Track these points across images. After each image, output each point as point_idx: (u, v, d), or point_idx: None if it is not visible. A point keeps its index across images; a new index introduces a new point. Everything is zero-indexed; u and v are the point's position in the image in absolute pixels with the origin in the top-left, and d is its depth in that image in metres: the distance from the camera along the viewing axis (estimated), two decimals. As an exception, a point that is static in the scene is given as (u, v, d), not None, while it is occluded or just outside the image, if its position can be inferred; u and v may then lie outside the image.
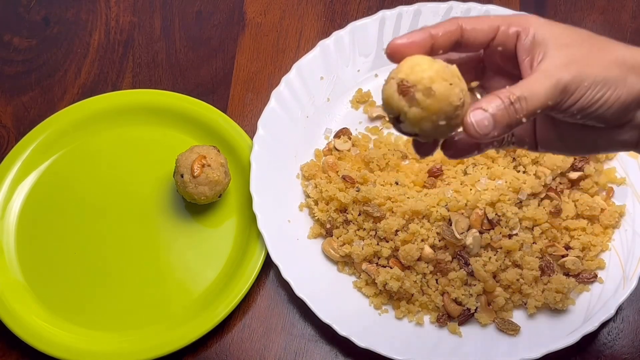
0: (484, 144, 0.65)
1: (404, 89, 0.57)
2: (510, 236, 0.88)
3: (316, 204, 0.93)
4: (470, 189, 0.90)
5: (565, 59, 0.60)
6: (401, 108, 0.58)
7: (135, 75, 1.04)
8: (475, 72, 0.67)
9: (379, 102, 0.99)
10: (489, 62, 0.66)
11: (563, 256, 0.88)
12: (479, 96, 0.66)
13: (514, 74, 0.64)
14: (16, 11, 1.09)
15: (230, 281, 0.90)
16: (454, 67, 0.59)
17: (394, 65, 1.06)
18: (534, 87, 0.59)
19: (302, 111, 0.97)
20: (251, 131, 0.96)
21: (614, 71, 0.60)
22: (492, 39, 0.63)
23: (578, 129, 0.64)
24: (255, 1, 1.08)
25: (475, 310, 0.87)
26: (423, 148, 0.64)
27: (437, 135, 0.60)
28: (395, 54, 0.60)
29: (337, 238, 0.91)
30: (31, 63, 1.06)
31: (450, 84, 0.57)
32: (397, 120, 0.59)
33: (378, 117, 0.98)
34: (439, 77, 0.57)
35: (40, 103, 1.03)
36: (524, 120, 0.59)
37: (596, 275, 0.88)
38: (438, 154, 0.94)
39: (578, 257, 0.88)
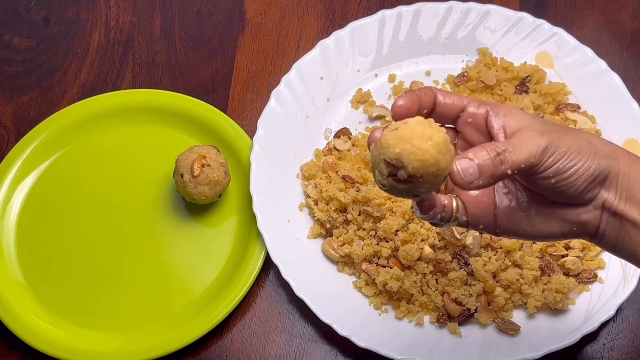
0: (432, 221, 0.67)
1: (398, 166, 0.59)
2: (510, 236, 0.88)
3: (316, 204, 0.93)
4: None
5: (541, 129, 0.64)
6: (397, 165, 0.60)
7: (135, 75, 1.04)
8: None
9: (379, 102, 0.99)
10: (461, 133, 0.69)
11: (563, 256, 0.88)
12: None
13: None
14: (16, 11, 1.09)
15: (230, 281, 0.90)
16: (444, 133, 0.60)
17: (393, 65, 1.05)
18: (518, 144, 0.63)
19: (302, 111, 0.97)
20: (251, 131, 0.96)
21: (585, 145, 0.64)
22: (462, 111, 0.67)
23: (544, 203, 0.66)
24: (255, 1, 1.08)
25: (475, 310, 0.87)
26: (425, 205, 0.65)
27: (425, 193, 0.62)
28: (398, 114, 0.65)
29: (337, 238, 0.91)
30: (31, 63, 1.06)
31: (444, 154, 0.59)
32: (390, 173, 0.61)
33: (378, 117, 0.98)
34: (435, 150, 0.59)
35: (40, 103, 1.03)
36: (508, 172, 0.62)
37: (596, 275, 0.88)
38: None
39: (578, 257, 0.88)
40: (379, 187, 0.62)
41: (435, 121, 0.61)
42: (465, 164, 0.61)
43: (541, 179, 0.63)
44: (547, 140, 0.63)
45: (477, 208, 0.66)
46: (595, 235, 0.66)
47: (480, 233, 0.87)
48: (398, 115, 0.65)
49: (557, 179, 0.63)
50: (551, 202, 0.65)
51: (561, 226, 0.66)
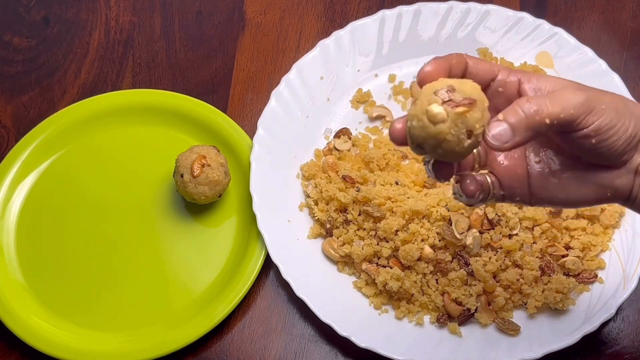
0: (473, 202, 0.66)
1: (450, 92, 0.59)
2: (510, 236, 0.88)
3: (316, 204, 0.93)
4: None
5: (579, 87, 0.63)
6: (439, 119, 0.59)
7: (135, 75, 1.04)
8: None
9: (379, 102, 0.99)
10: (491, 103, 0.65)
11: (563, 256, 0.88)
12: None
13: None
14: (16, 11, 1.09)
15: (230, 281, 0.90)
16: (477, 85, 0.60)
17: (393, 65, 1.05)
18: (554, 96, 0.61)
19: (302, 111, 0.97)
20: (251, 131, 0.96)
21: (621, 105, 0.63)
22: (492, 80, 0.65)
23: (577, 168, 0.65)
24: (255, 1, 1.08)
25: (475, 310, 0.87)
26: (444, 171, 0.64)
27: (461, 154, 0.61)
28: (425, 80, 0.62)
29: (337, 238, 0.91)
30: (31, 63, 1.06)
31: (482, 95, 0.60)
32: (419, 144, 0.61)
33: (378, 117, 0.98)
34: (475, 90, 0.60)
35: (40, 103, 1.03)
36: (547, 121, 0.60)
37: (596, 275, 0.88)
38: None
39: (578, 257, 0.88)
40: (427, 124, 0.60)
41: None
42: (496, 124, 0.60)
43: (581, 138, 0.62)
44: (586, 95, 0.61)
45: (511, 180, 0.66)
46: (628, 199, 0.66)
47: (518, 206, 0.87)
48: (424, 82, 0.61)
49: (598, 139, 0.62)
50: (585, 167, 0.65)
51: (595, 191, 0.66)
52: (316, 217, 0.92)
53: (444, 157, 0.61)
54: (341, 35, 1.00)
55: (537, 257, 0.88)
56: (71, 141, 0.99)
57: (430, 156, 0.62)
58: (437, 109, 0.59)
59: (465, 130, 0.59)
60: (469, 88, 0.60)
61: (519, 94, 0.65)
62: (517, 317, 0.87)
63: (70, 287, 0.92)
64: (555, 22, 1.00)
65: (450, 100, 0.59)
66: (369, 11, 1.05)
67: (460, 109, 0.59)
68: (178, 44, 1.06)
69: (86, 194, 0.97)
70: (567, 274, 0.88)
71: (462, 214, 0.88)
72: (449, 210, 0.88)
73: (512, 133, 0.60)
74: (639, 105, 0.65)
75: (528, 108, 0.60)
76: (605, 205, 0.90)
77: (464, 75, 0.64)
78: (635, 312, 0.89)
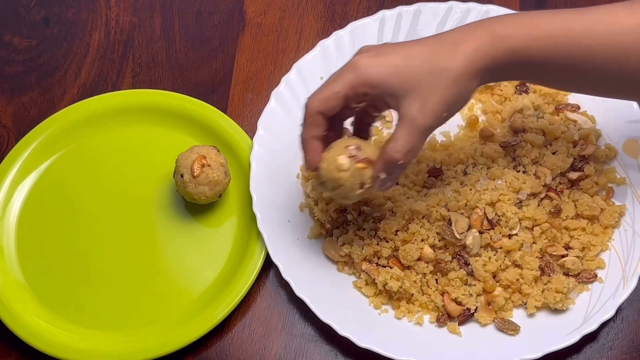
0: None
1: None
2: (510, 236, 0.88)
3: (316, 204, 0.93)
4: (470, 189, 0.90)
5: (419, 102, 0.75)
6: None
7: (135, 75, 1.04)
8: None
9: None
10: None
11: (563, 256, 0.88)
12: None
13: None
14: (16, 11, 1.09)
15: (230, 281, 0.90)
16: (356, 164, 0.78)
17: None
18: (403, 139, 0.76)
19: (302, 111, 0.97)
20: (251, 131, 0.96)
21: (459, 84, 0.75)
22: (345, 107, 0.78)
23: None
24: (255, 1, 1.08)
25: (475, 310, 0.87)
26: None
27: (351, 198, 0.81)
28: (314, 166, 0.80)
29: (337, 238, 0.91)
30: (31, 63, 1.06)
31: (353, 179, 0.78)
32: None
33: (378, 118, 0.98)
34: (374, 153, 0.78)
35: (40, 103, 1.03)
36: (406, 162, 0.77)
37: (596, 275, 0.88)
38: (437, 153, 0.94)
39: (578, 257, 0.88)
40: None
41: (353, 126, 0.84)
42: (379, 184, 0.78)
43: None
44: (429, 120, 0.76)
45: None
46: None
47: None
48: (312, 164, 0.80)
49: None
50: None
51: None
52: (316, 217, 0.92)
53: (338, 197, 0.80)
54: (341, 35, 1.00)
55: (536, 257, 0.88)
56: (71, 141, 0.99)
57: (329, 193, 0.80)
58: (343, 160, 0.77)
59: (360, 182, 0.78)
60: (371, 152, 0.78)
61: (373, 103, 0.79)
62: (517, 317, 0.87)
63: (70, 287, 0.92)
64: (555, 22, 1.00)
65: (355, 156, 0.77)
66: (369, 11, 1.05)
67: (360, 165, 0.77)
68: (178, 44, 1.06)
69: (86, 194, 0.97)
70: (566, 274, 0.88)
71: (462, 214, 0.88)
72: (448, 210, 0.88)
73: (391, 180, 0.79)
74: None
75: (386, 159, 0.76)
76: (605, 205, 0.90)
77: (332, 122, 0.79)
78: (635, 312, 0.89)
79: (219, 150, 0.93)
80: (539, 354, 0.83)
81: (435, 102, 0.74)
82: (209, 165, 0.90)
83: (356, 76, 0.75)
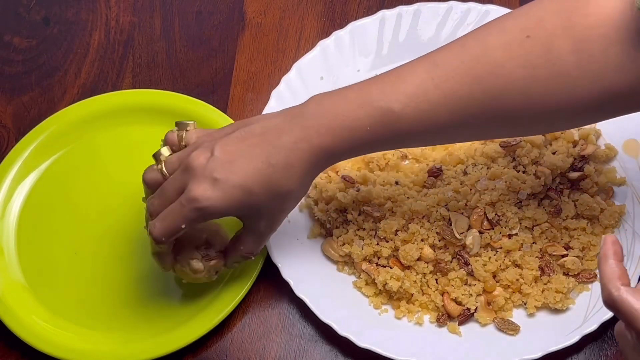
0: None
1: None
2: (510, 236, 0.88)
3: (316, 204, 0.93)
4: (470, 189, 0.90)
5: (264, 220, 0.82)
6: None
7: (135, 75, 1.04)
8: None
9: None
10: None
11: (563, 256, 0.88)
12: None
13: None
14: (16, 11, 1.09)
15: (230, 281, 0.90)
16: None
17: (393, 65, 1.06)
18: (251, 244, 0.85)
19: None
20: (251, 131, 0.96)
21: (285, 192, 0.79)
22: None
23: None
24: (255, 1, 1.08)
25: (475, 310, 0.87)
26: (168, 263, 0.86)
27: (207, 282, 0.88)
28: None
29: (337, 238, 0.91)
30: (31, 63, 1.06)
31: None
32: None
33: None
34: (224, 242, 0.86)
35: (40, 103, 1.03)
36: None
37: (596, 275, 0.88)
38: (437, 153, 0.94)
39: (578, 257, 0.88)
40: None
41: None
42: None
43: None
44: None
45: None
46: None
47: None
48: (168, 270, 0.86)
49: None
50: None
51: None
52: (316, 217, 0.92)
53: (194, 282, 0.86)
54: (341, 35, 1.00)
55: (536, 257, 0.88)
56: (71, 141, 0.99)
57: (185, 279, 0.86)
58: (197, 265, 0.83)
59: (215, 272, 0.85)
60: (220, 241, 0.85)
61: None
62: (517, 316, 0.87)
63: (71, 287, 0.92)
64: (555, 22, 1.00)
65: (207, 255, 0.83)
66: (369, 11, 1.05)
67: (214, 262, 0.84)
68: (178, 44, 1.06)
69: (86, 194, 0.97)
70: (566, 274, 0.88)
71: (462, 214, 0.88)
72: (448, 210, 0.88)
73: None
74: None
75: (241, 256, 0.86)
76: (605, 205, 0.90)
77: None
78: (635, 312, 0.89)
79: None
80: (539, 354, 0.83)
81: (281, 218, 0.83)
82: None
83: (199, 215, 0.78)
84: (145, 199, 0.84)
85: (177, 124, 0.84)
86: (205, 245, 0.84)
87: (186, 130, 0.83)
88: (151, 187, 0.82)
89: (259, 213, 0.80)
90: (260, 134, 0.78)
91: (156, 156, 0.83)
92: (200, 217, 0.78)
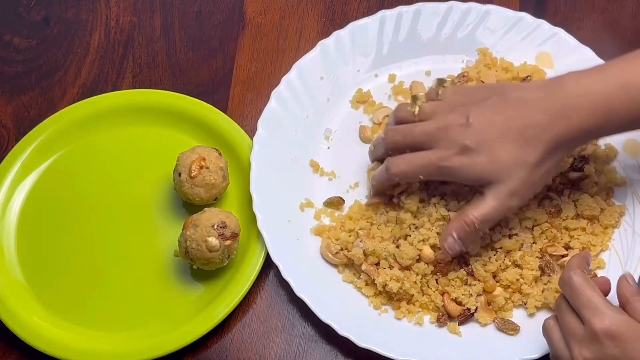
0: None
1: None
2: (510, 236, 0.88)
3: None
4: (471, 189, 0.90)
5: (506, 188, 0.81)
6: None
7: (135, 75, 1.04)
8: None
9: (379, 102, 0.99)
10: None
11: (563, 256, 0.88)
12: None
13: None
14: (16, 11, 1.09)
15: (230, 281, 0.90)
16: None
17: (393, 65, 1.05)
18: (487, 209, 0.82)
19: (302, 111, 0.97)
20: (251, 131, 0.96)
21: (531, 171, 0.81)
22: None
23: None
24: (255, 1, 1.08)
25: (475, 310, 0.87)
26: None
27: (218, 267, 0.90)
28: None
29: (336, 240, 0.91)
30: (31, 63, 1.06)
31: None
32: None
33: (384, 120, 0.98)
34: (237, 226, 0.89)
35: (40, 103, 1.03)
36: (480, 229, 0.83)
37: (596, 275, 0.88)
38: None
39: (578, 257, 0.88)
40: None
41: None
42: (450, 241, 0.83)
43: None
44: (516, 201, 0.83)
45: None
46: None
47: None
48: None
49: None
50: None
51: None
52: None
53: (206, 267, 0.88)
54: (341, 35, 1.00)
55: (537, 257, 0.88)
56: (71, 141, 0.99)
57: (195, 263, 0.87)
58: (214, 242, 0.85)
59: (227, 254, 0.87)
60: (234, 224, 0.88)
61: None
62: (517, 316, 0.87)
63: (70, 287, 0.92)
64: (555, 22, 1.00)
65: (223, 234, 0.86)
66: (369, 11, 1.05)
67: (228, 242, 0.86)
68: (178, 44, 1.06)
69: (86, 194, 0.97)
70: (567, 274, 0.88)
71: (462, 214, 0.88)
72: (449, 211, 0.88)
73: (462, 244, 0.83)
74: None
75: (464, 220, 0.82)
76: (605, 205, 0.90)
77: None
78: (635, 312, 0.89)
79: (220, 154, 0.92)
80: (539, 354, 0.84)
81: (527, 191, 0.83)
82: (207, 168, 0.90)
83: (440, 173, 0.83)
84: (371, 152, 0.92)
85: (437, 80, 0.90)
86: (221, 224, 0.86)
87: (443, 86, 0.87)
88: (398, 121, 0.88)
89: (498, 180, 0.81)
90: (515, 105, 0.80)
91: (414, 98, 0.87)
92: (441, 175, 0.83)
